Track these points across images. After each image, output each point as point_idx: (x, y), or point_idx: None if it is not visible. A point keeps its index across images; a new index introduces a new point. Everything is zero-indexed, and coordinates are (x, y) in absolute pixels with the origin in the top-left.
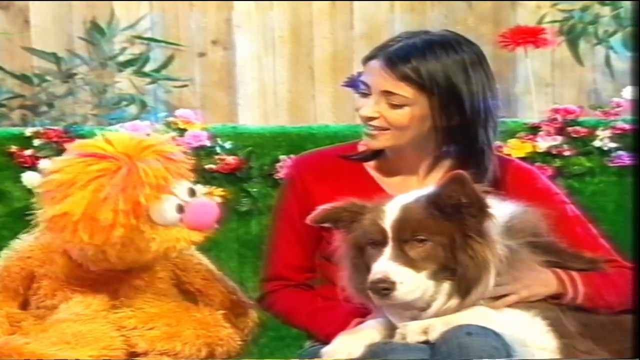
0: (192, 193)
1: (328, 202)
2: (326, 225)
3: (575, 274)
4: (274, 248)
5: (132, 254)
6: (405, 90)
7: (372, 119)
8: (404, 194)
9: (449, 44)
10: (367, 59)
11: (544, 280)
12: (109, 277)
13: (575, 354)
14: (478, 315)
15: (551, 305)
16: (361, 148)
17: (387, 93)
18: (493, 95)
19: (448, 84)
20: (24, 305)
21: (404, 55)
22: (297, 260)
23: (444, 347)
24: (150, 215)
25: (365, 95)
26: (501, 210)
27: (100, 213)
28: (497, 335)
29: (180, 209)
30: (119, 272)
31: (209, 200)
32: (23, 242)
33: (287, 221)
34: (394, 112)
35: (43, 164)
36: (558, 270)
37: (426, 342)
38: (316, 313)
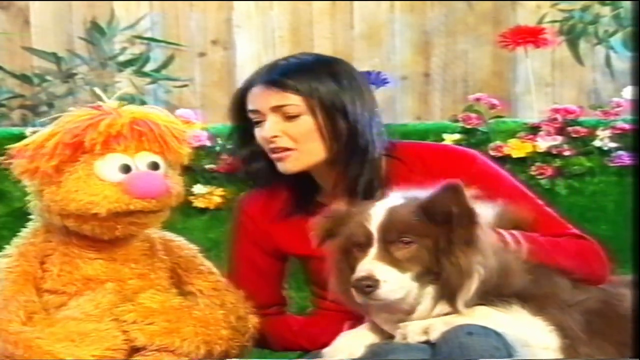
0: (154, 167)
1: (289, 238)
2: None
3: (516, 232)
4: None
5: (62, 196)
6: (292, 100)
7: (274, 137)
8: (386, 199)
9: (321, 59)
10: (245, 90)
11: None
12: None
13: (576, 356)
14: (479, 315)
15: (557, 306)
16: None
17: (277, 108)
18: (369, 106)
19: (327, 89)
20: (40, 291)
21: (279, 71)
22: (265, 298)
23: (445, 347)
24: (93, 166)
25: (258, 123)
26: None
27: (47, 142)
28: (498, 335)
29: (126, 170)
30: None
31: (159, 174)
32: (28, 229)
33: (247, 263)
34: (293, 124)
35: None
36: (499, 230)
37: (427, 342)
38: (304, 329)
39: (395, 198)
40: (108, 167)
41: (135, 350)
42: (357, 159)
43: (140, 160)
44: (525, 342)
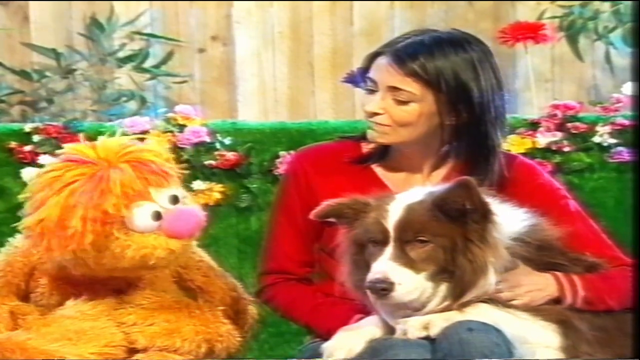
0: (175, 200)
1: (330, 198)
2: (330, 220)
3: (576, 278)
4: (273, 241)
5: (108, 259)
6: (411, 86)
7: (375, 114)
8: (407, 193)
9: (457, 41)
10: (374, 56)
11: (543, 285)
12: (106, 280)
13: (578, 355)
14: (479, 312)
15: (560, 307)
16: (365, 148)
17: (393, 89)
18: (501, 94)
19: (456, 81)
20: (25, 301)
21: (412, 52)
22: (297, 254)
23: (445, 343)
24: (125, 222)
25: (372, 92)
26: (513, 219)
27: (70, 221)
28: (498, 331)
29: (158, 216)
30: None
31: (190, 207)
32: (18, 239)
33: (287, 215)
34: (400, 108)
35: (44, 160)
36: (558, 274)
37: (427, 338)
38: (317, 309)
39: (415, 193)
40: (139, 219)
41: (135, 351)
42: (480, 158)
43: (161, 199)
44: (526, 339)
